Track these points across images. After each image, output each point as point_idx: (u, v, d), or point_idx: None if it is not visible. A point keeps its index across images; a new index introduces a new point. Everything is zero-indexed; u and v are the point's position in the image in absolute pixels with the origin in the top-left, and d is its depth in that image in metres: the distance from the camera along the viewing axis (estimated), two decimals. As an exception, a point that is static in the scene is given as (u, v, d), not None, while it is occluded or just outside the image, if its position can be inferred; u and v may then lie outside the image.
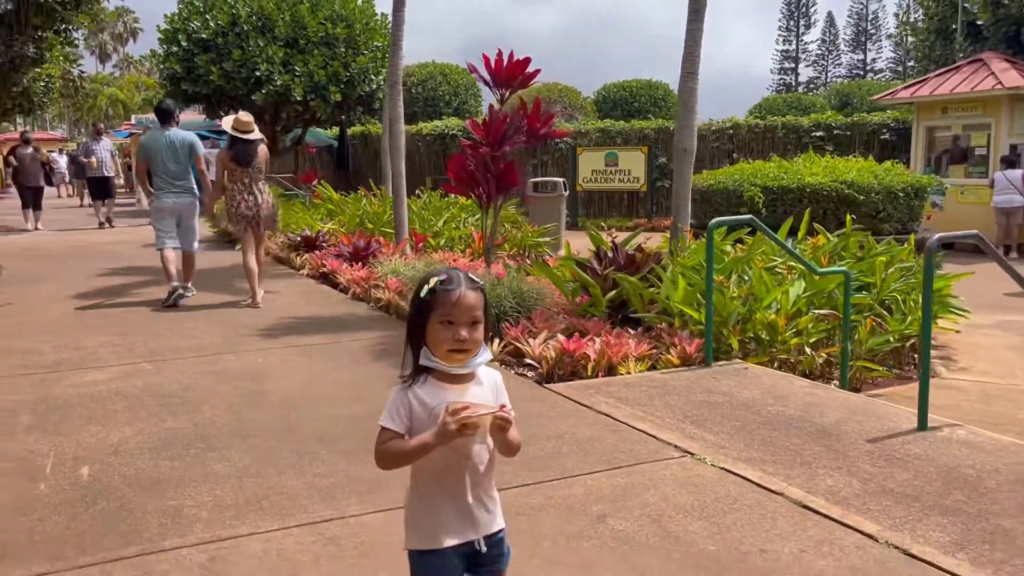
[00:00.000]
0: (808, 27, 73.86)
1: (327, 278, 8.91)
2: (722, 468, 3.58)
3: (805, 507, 3.19)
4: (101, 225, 16.56)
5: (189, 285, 8.02)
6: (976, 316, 8.76)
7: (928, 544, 2.86)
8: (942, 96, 14.00)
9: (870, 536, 2.93)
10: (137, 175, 10.90)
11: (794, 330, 5.78)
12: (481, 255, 8.33)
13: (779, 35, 74.20)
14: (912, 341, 6.63)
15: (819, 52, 73.14)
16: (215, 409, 4.44)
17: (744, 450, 3.79)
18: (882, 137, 17.32)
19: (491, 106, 7.73)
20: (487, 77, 7.70)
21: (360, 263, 8.79)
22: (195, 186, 8.07)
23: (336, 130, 24.06)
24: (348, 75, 17.44)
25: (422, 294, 1.86)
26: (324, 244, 10.41)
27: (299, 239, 10.70)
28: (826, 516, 3.10)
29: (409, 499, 1.93)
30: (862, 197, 11.30)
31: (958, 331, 7.22)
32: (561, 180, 15.04)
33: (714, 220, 5.24)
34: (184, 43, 16.75)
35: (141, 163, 8.19)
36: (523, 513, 3.14)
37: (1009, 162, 13.01)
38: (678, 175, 7.41)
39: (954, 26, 15.47)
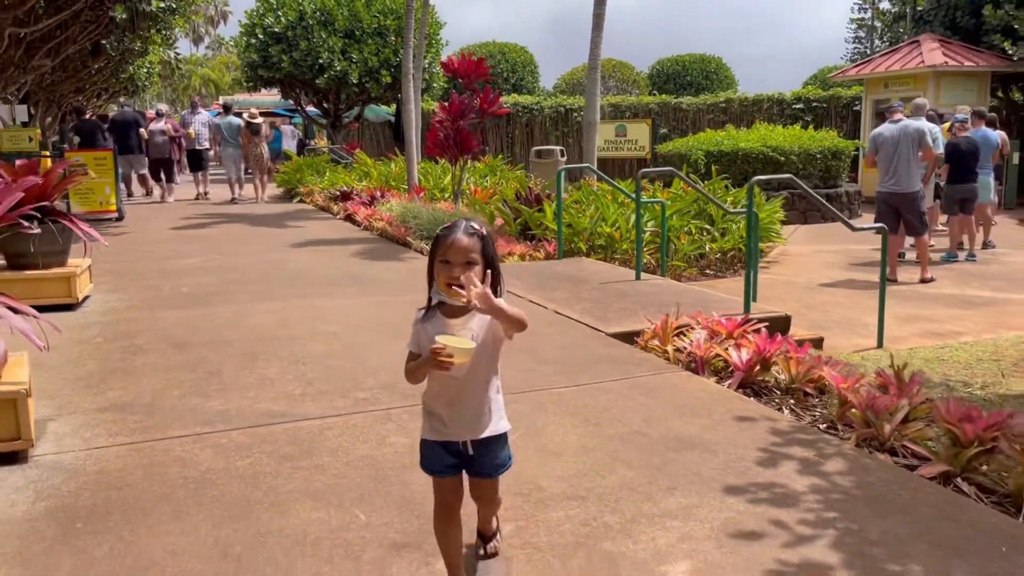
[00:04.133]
0: (883, -4, 73.42)
1: (351, 218, 12.34)
2: (509, 292, 6.71)
3: (532, 302, 6.36)
4: (197, 197, 17.00)
5: (243, 194, 16.36)
6: (833, 244, 11.64)
7: (571, 310, 6.01)
8: (880, 73, 16.47)
9: (545, 307, 6.11)
10: (214, 142, 17.75)
11: (629, 240, 8.85)
12: (475, 202, 11.60)
13: (854, 4, 73.93)
14: (732, 253, 9.61)
15: (893, 22, 72.81)
16: (255, 272, 7.89)
17: (528, 286, 6.96)
18: (855, 109, 19.72)
19: (451, 92, 10.95)
20: (454, 72, 10.91)
21: (373, 206, 12.17)
22: (239, 146, 15.56)
23: (393, 107, 27.45)
24: (397, 60, 20.69)
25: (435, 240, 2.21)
26: (355, 197, 13.82)
27: (338, 193, 14.17)
28: (537, 304, 6.27)
29: (422, 401, 2.34)
30: (783, 158, 14.02)
31: (769, 247, 10.16)
32: (558, 148, 18.09)
33: (560, 168, 8.37)
34: (260, 36, 20.24)
35: (216, 135, 15.78)
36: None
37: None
38: (585, 140, 10.49)
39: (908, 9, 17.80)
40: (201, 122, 17.32)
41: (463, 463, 2.30)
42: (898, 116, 8.91)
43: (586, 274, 7.55)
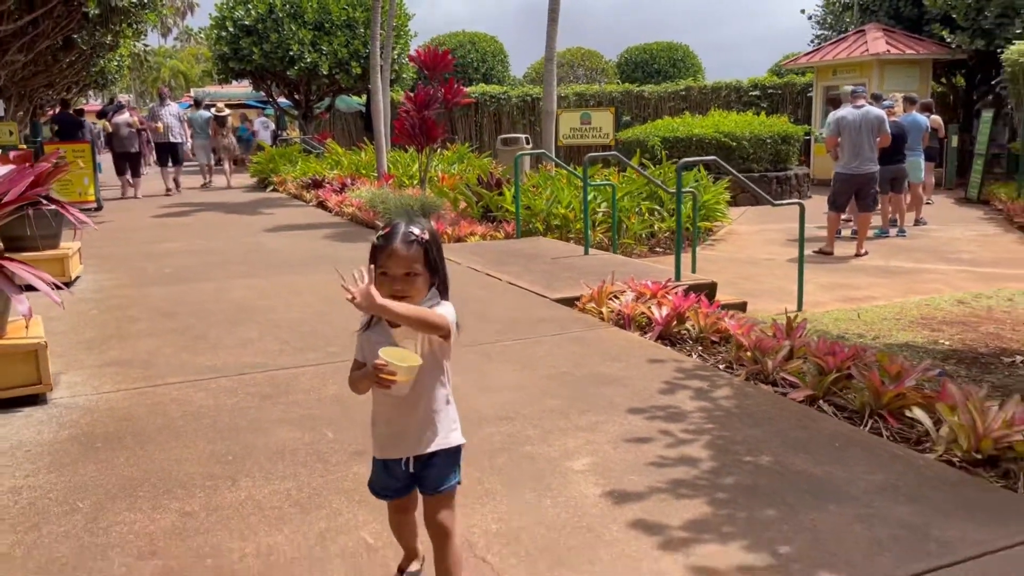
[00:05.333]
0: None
1: (322, 205, 12.92)
2: (469, 267, 7.41)
3: (488, 275, 7.01)
4: (168, 191, 16.37)
5: (213, 181, 17.92)
6: (778, 223, 12.35)
7: (522, 280, 6.67)
8: (828, 62, 17.26)
9: (499, 279, 6.77)
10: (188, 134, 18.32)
11: (583, 219, 9.51)
12: (442, 188, 12.21)
13: (810, -8, 74.63)
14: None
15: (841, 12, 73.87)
16: (234, 254, 8.47)
17: (486, 262, 7.61)
18: (808, 95, 20.51)
19: (418, 83, 11.54)
20: (421, 64, 11.51)
21: (344, 193, 12.75)
22: (209, 137, 17.15)
23: (364, 97, 27.86)
24: (367, 51, 21.07)
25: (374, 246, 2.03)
26: (327, 184, 14.37)
27: (310, 181, 14.73)
28: (494, 277, 6.93)
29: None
30: (734, 143, 14.75)
31: (713, 227, 10.88)
32: (524, 136, 18.72)
33: (517, 154, 9.00)
34: (231, 28, 20.58)
35: (188, 127, 16.72)
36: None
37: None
38: (544, 129, 11.15)
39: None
40: (172, 114, 16.45)
41: (410, 483, 2.19)
42: (861, 102, 9.60)
43: (540, 251, 8.21)
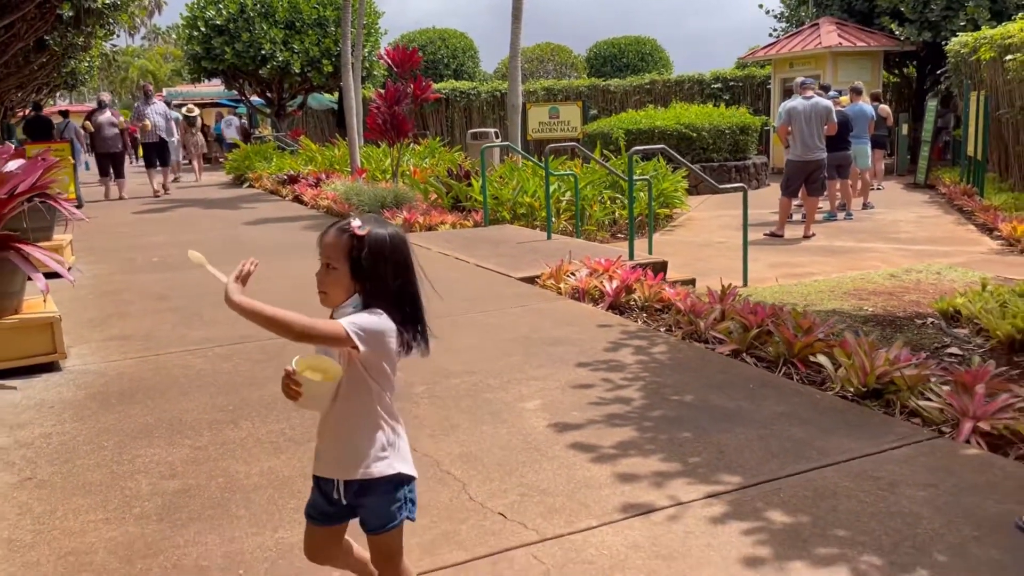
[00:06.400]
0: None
1: (298, 199, 13.37)
2: (439, 252, 7.94)
3: (457, 258, 7.55)
4: (156, 193, 15.85)
5: (180, 177, 18.64)
6: (735, 210, 12.91)
7: (488, 263, 7.21)
8: (784, 54, 17.96)
9: (467, 262, 7.30)
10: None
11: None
12: (414, 181, 12.72)
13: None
14: (640, 218, 10.89)
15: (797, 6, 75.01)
16: (216, 245, 8.95)
17: (455, 248, 8.14)
18: (768, 87, 21.21)
19: (388, 80, 12.04)
20: (390, 62, 12.00)
21: (319, 187, 13.22)
22: (176, 135, 17.34)
23: (336, 95, 28.21)
24: (338, 50, 21.50)
25: None
26: (302, 180, 14.81)
27: (285, 177, 15.16)
28: (463, 260, 7.46)
29: None
30: (695, 134, 15.38)
31: (671, 214, 11.49)
32: (493, 131, 19.23)
33: (483, 147, 9.54)
34: (202, 28, 20.90)
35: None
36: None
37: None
38: (510, 124, 11.67)
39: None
40: (158, 112, 16.08)
41: (343, 513, 1.94)
42: (809, 93, 10.24)
43: (507, 237, 8.76)
